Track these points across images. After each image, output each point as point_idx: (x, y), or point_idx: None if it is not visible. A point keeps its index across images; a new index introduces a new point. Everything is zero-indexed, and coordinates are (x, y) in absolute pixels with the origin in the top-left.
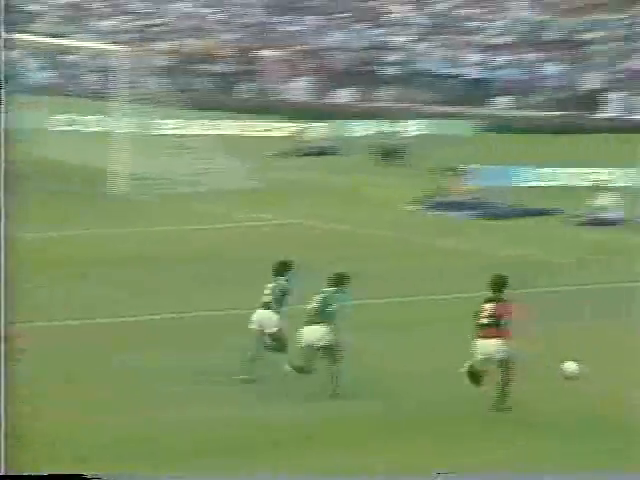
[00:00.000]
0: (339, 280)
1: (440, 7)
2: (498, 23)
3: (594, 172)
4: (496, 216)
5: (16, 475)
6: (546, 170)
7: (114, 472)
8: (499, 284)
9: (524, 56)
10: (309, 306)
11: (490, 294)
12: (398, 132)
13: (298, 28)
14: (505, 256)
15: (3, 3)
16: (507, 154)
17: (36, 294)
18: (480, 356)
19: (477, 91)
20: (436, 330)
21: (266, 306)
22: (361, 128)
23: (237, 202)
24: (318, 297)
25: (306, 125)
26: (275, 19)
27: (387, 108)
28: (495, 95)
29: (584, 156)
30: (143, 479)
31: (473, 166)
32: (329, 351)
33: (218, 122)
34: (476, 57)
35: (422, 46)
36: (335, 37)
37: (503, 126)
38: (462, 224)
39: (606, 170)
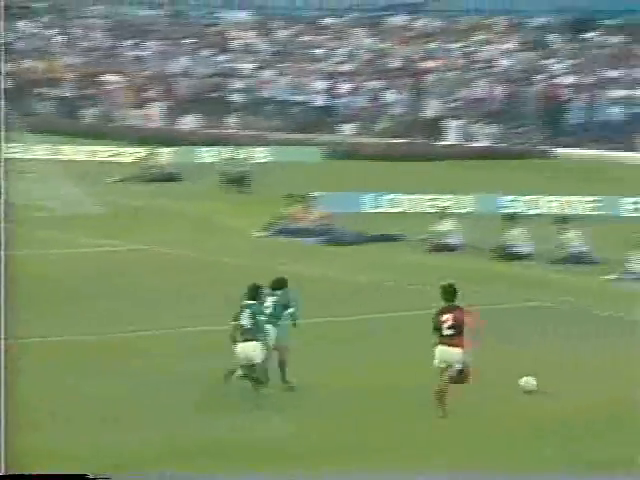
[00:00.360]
0: (254, 291)
1: (284, 34)
2: (341, 51)
3: (437, 198)
4: (344, 242)
5: (16, 475)
6: (392, 196)
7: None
8: (451, 293)
9: (367, 84)
10: (240, 322)
11: (444, 304)
12: (245, 159)
13: (143, 53)
14: (352, 282)
15: None
16: (355, 181)
17: None
18: (443, 363)
19: (323, 118)
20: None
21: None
22: (208, 154)
23: (83, 228)
24: (244, 314)
25: (152, 151)
26: (120, 43)
27: (234, 135)
28: (341, 122)
29: (428, 182)
30: (145, 479)
31: (321, 193)
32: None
33: (62, 147)
34: (321, 84)
35: (267, 73)
36: (180, 63)
37: (350, 153)
38: (310, 250)
39: (448, 196)
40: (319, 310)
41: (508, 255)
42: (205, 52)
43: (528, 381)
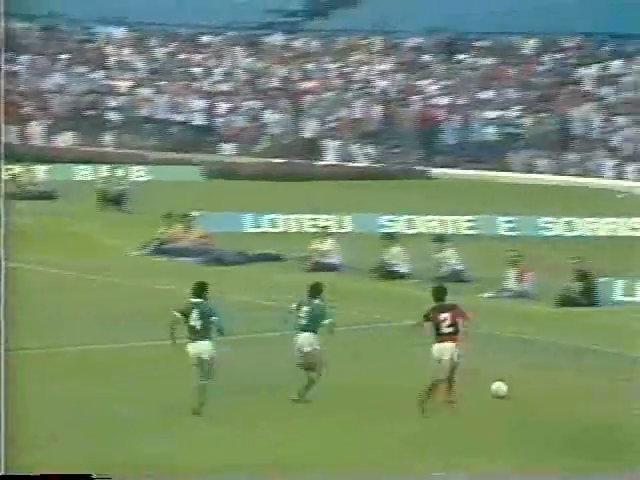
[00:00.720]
0: (201, 289)
1: (162, 51)
2: (220, 69)
3: (317, 218)
4: (223, 262)
5: (16, 475)
6: (272, 216)
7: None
8: (442, 292)
9: (246, 103)
10: (190, 323)
11: (436, 304)
12: (123, 177)
13: (15, 68)
14: (229, 302)
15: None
16: (235, 200)
17: None
18: (443, 359)
19: (202, 138)
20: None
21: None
22: (84, 172)
23: None
24: (193, 314)
25: (27, 168)
26: None
27: (112, 153)
28: (220, 142)
29: (307, 202)
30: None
31: (201, 212)
32: (208, 365)
33: None
34: (200, 103)
35: (145, 91)
36: (55, 79)
37: (229, 173)
38: (188, 270)
39: (328, 216)
40: None
41: (387, 274)
42: (81, 69)
43: (500, 387)
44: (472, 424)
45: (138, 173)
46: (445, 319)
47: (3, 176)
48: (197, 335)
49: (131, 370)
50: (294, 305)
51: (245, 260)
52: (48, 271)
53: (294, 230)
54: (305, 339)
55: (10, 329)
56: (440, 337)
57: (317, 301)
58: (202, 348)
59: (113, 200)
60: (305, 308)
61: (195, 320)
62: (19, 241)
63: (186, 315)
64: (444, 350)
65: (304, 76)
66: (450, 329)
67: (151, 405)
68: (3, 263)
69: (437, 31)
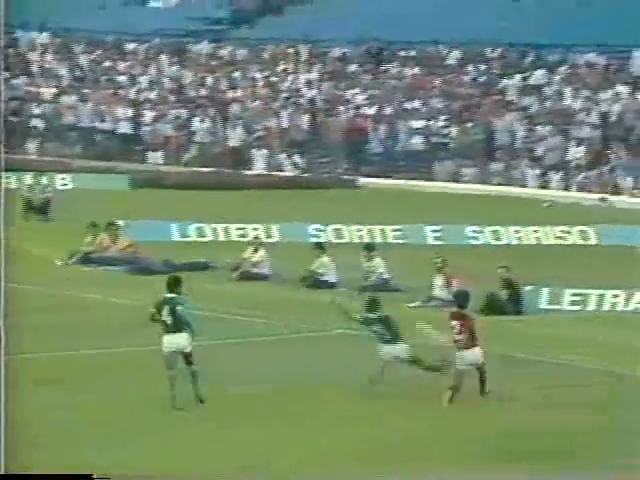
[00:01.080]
0: (173, 284)
1: (86, 58)
2: (145, 77)
3: (245, 227)
4: (151, 271)
5: (16, 475)
6: (199, 225)
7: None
8: (465, 298)
9: (172, 112)
10: (162, 318)
11: (455, 310)
12: (46, 185)
13: None
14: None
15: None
16: (162, 209)
17: None
18: (466, 366)
19: (128, 146)
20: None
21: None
22: (8, 180)
23: None
24: (164, 310)
25: None
26: None
27: (34, 161)
28: (146, 150)
29: (235, 211)
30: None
31: (127, 221)
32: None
33: None
34: (125, 111)
35: (69, 99)
36: None
37: (156, 181)
38: (115, 279)
39: (256, 225)
40: (119, 339)
41: (316, 284)
42: (2, 75)
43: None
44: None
45: (63, 181)
46: (454, 327)
47: None
48: (169, 328)
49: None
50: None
51: (172, 269)
52: None
53: (222, 239)
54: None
55: None
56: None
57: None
58: (176, 341)
59: (37, 208)
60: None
61: (166, 315)
62: None
63: (159, 310)
64: (463, 357)
65: (231, 85)
66: (468, 334)
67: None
68: None
69: (363, 40)
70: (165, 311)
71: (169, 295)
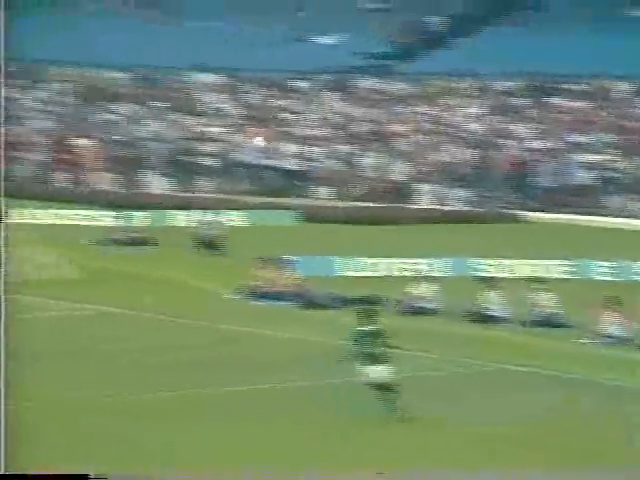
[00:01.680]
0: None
1: (254, 98)
2: (310, 115)
3: (413, 262)
4: (319, 306)
5: (16, 475)
6: (368, 260)
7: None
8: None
9: (338, 147)
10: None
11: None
12: (218, 222)
13: (112, 117)
14: (330, 346)
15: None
16: (329, 244)
17: None
18: None
19: (296, 182)
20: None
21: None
22: (180, 218)
23: (58, 292)
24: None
25: (126, 214)
26: (89, 108)
27: (206, 198)
28: (314, 186)
29: (403, 246)
30: (144, 479)
31: (294, 256)
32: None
33: (34, 211)
34: (292, 148)
35: (238, 137)
36: (151, 126)
37: (323, 216)
38: (284, 313)
39: (421, 260)
40: (292, 374)
41: (482, 318)
42: (175, 115)
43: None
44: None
45: (232, 218)
46: None
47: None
48: (373, 360)
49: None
50: None
51: (342, 303)
52: (141, 315)
53: (386, 274)
54: None
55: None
56: None
57: None
58: (379, 372)
59: (209, 244)
60: None
61: (368, 346)
62: (110, 285)
63: (357, 342)
64: None
65: (395, 119)
66: None
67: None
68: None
69: (526, 74)
70: (366, 340)
71: (366, 328)
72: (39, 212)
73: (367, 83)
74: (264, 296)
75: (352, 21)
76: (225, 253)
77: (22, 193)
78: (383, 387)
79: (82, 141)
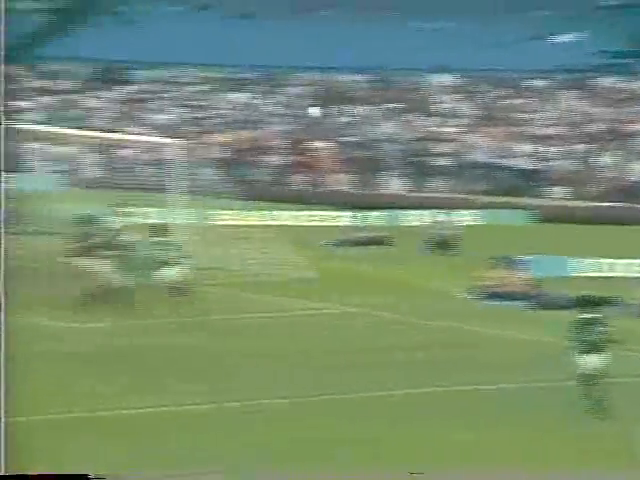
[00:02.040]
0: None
1: (489, 97)
2: (546, 114)
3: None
4: (554, 307)
5: (16, 475)
6: (604, 261)
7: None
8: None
9: (574, 147)
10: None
11: None
12: (451, 222)
13: (348, 119)
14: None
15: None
16: (563, 244)
17: None
18: None
19: (530, 182)
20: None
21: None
22: (414, 218)
23: (295, 292)
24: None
25: (359, 214)
26: (325, 111)
27: (438, 198)
28: (549, 185)
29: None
30: (144, 479)
31: (529, 256)
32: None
33: (273, 212)
34: (526, 148)
35: (472, 137)
36: (385, 127)
37: (559, 216)
38: (519, 314)
39: None
40: (533, 374)
41: None
42: (409, 116)
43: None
44: None
45: (466, 217)
46: None
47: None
48: (591, 348)
49: None
50: None
51: (573, 305)
52: (381, 315)
53: (622, 275)
54: None
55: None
56: None
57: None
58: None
59: (442, 245)
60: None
61: (588, 336)
62: (349, 284)
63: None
64: None
65: (635, 118)
66: None
67: None
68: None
69: None
70: (587, 331)
71: (593, 315)
72: (277, 214)
73: (607, 81)
74: (497, 296)
75: (590, 19)
76: (459, 253)
77: (259, 195)
78: (591, 380)
79: (319, 143)
